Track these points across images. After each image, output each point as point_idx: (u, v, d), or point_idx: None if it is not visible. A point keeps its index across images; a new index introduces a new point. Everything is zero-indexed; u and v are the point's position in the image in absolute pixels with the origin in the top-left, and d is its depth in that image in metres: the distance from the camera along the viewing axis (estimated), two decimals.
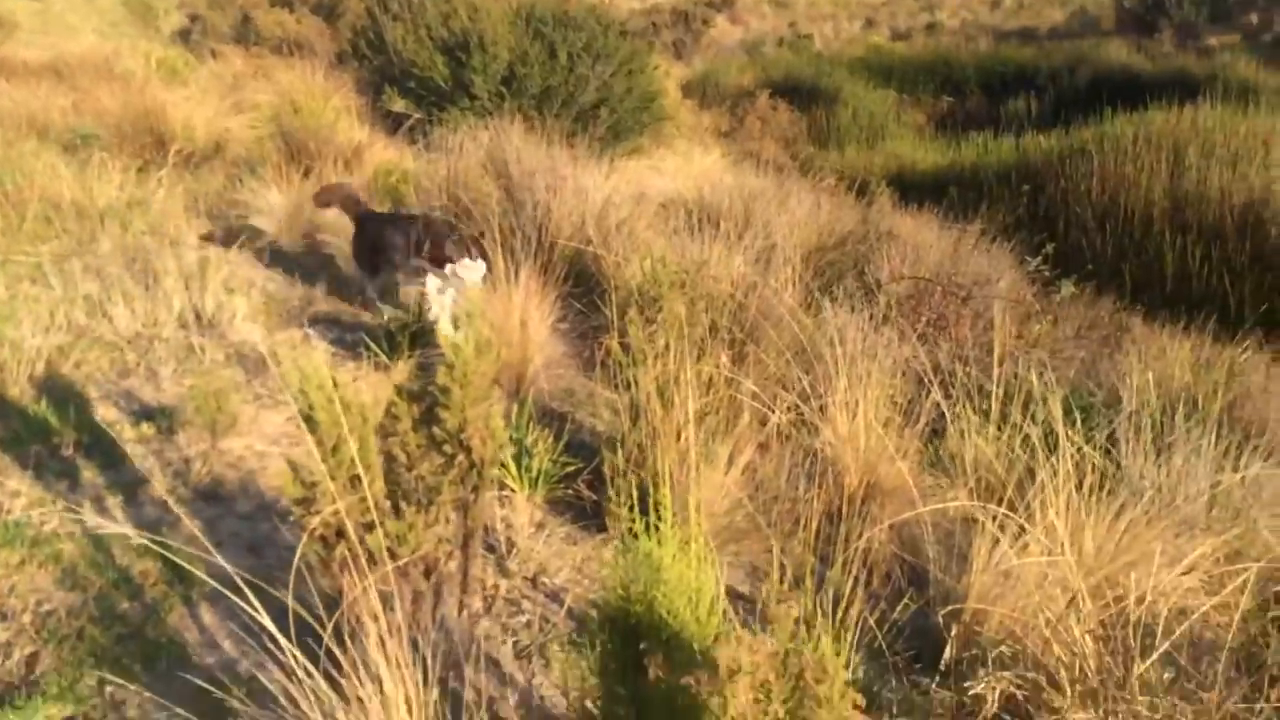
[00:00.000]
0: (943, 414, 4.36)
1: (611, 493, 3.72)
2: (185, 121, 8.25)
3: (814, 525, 3.00)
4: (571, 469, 3.94)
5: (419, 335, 5.10)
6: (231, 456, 4.07)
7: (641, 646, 1.84)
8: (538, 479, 3.85)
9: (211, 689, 2.46)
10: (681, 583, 1.87)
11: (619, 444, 3.82)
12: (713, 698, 1.60)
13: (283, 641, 1.86)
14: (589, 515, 3.83)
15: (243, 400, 4.49)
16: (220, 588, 2.19)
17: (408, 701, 1.87)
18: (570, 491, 3.90)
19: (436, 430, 2.25)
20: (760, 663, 1.55)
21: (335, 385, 2.13)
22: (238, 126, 8.95)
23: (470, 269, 5.09)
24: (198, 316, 5.38)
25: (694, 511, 2.13)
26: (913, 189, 12.93)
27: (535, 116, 9.42)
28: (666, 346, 4.00)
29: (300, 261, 6.59)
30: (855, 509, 3.74)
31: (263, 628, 2.81)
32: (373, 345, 4.98)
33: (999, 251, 8.04)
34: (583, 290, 5.65)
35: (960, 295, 6.54)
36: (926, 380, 4.47)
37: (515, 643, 3.05)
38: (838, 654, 1.60)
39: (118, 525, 3.49)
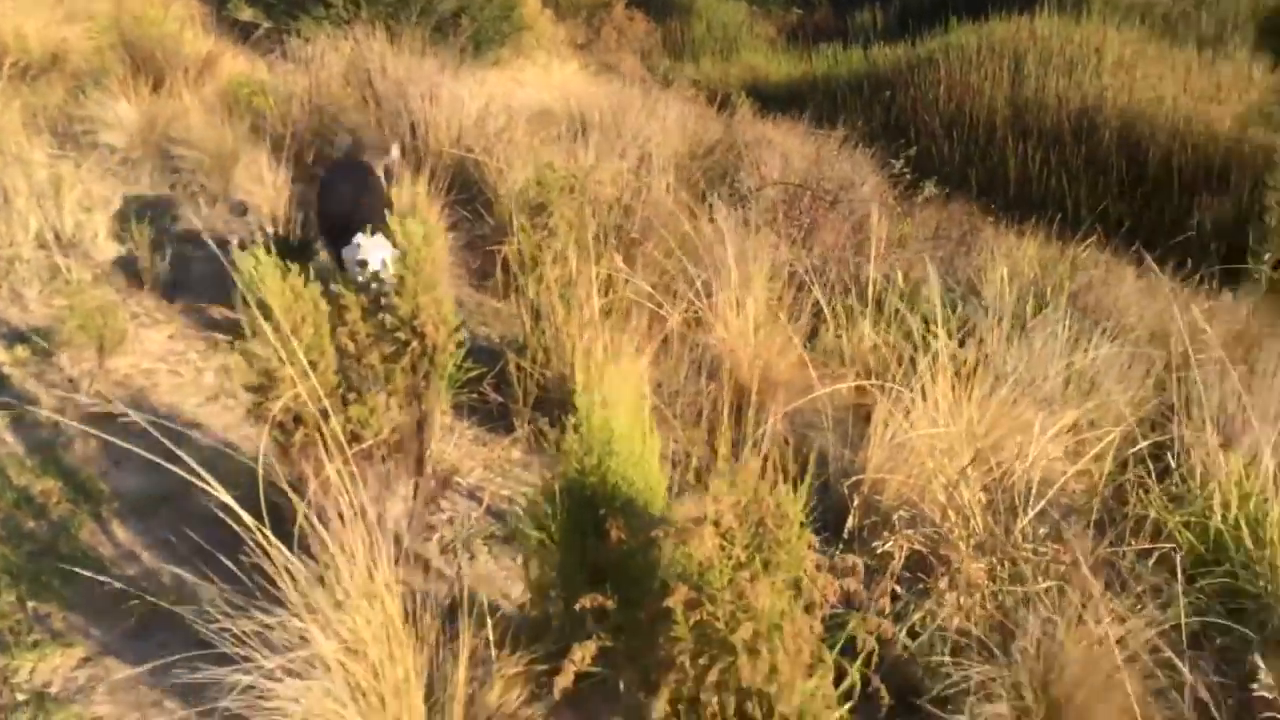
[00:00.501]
0: (821, 310, 4.58)
1: (519, 392, 3.82)
2: (15, 31, 7.67)
3: (725, 413, 3.15)
4: (474, 374, 3.98)
5: (302, 250, 4.99)
6: (118, 375, 3.96)
7: (601, 513, 1.96)
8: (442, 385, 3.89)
9: (146, 595, 2.46)
10: (631, 454, 1.98)
11: (523, 346, 3.90)
12: (679, 548, 1.73)
13: (250, 520, 1.89)
14: (495, 417, 3.90)
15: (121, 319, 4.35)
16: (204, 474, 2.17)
17: (377, 576, 1.93)
18: (475, 396, 3.95)
19: (388, 318, 2.28)
20: (724, 511, 1.69)
21: (284, 275, 2.13)
22: (74, 36, 8.35)
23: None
24: (57, 236, 5.13)
25: (636, 389, 2.24)
26: (769, 99, 13.13)
27: (392, 25, 9.12)
28: (562, 251, 4.07)
29: (157, 176, 6.31)
30: (751, 400, 3.93)
31: (184, 537, 2.82)
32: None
33: (860, 157, 8.33)
34: (466, 198, 5.61)
35: (828, 199, 6.79)
36: (807, 279, 4.69)
37: (440, 538, 3.12)
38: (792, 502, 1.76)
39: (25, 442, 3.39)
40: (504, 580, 2.98)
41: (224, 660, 1.88)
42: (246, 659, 1.84)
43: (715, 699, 1.68)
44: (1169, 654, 2.34)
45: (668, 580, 1.76)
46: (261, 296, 2.13)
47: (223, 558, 2.22)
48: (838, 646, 1.86)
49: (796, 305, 4.63)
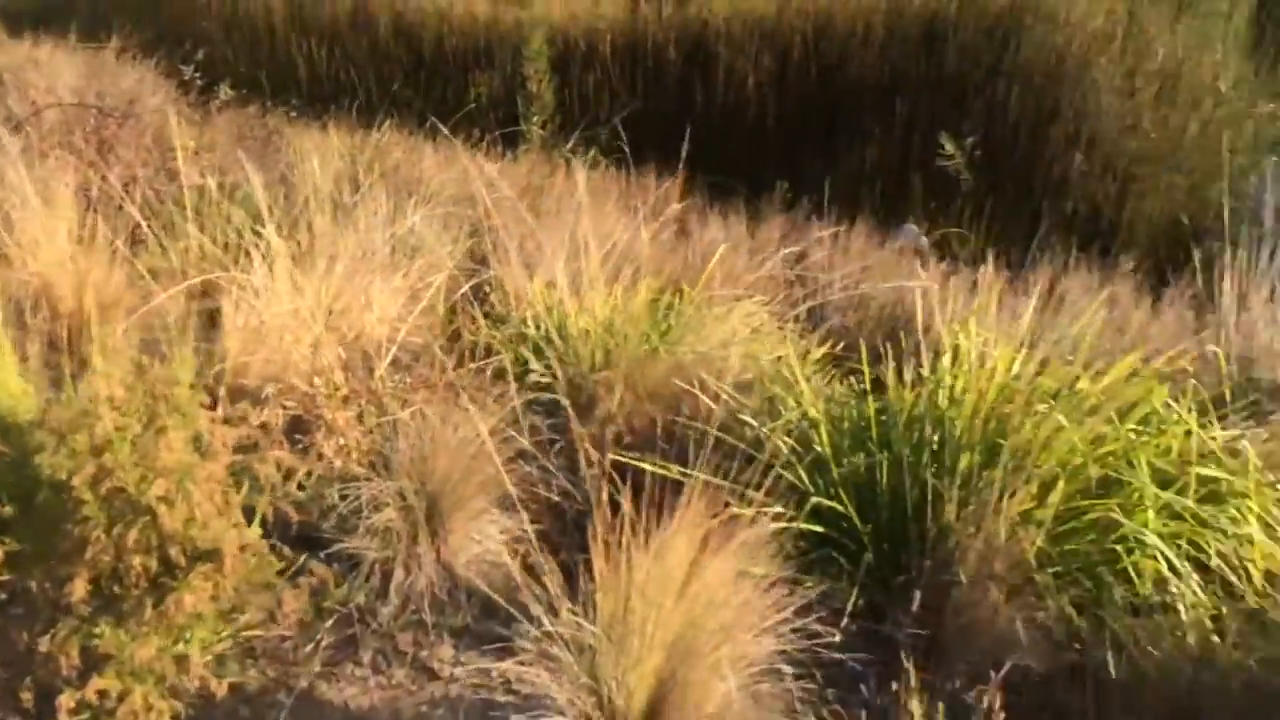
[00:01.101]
0: (139, 226, 4.48)
1: None
2: None
3: (65, 337, 3.04)
4: None
5: None
6: None
7: None
8: None
9: None
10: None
11: None
12: (70, 438, 1.75)
13: None
14: None
15: None
16: None
17: None
18: None
19: None
20: (115, 388, 1.75)
21: None
22: None
23: None
24: None
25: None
26: (12, 17, 11.69)
27: None
28: None
29: None
30: (88, 324, 3.79)
31: None
32: None
33: (144, 69, 7.90)
34: None
35: (118, 115, 6.41)
36: (117, 197, 4.56)
37: None
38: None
39: None
40: None
41: None
42: None
43: (138, 559, 1.77)
44: (511, 433, 2.91)
45: (62, 473, 1.78)
46: None
47: None
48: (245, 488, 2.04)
49: (111, 225, 4.46)
